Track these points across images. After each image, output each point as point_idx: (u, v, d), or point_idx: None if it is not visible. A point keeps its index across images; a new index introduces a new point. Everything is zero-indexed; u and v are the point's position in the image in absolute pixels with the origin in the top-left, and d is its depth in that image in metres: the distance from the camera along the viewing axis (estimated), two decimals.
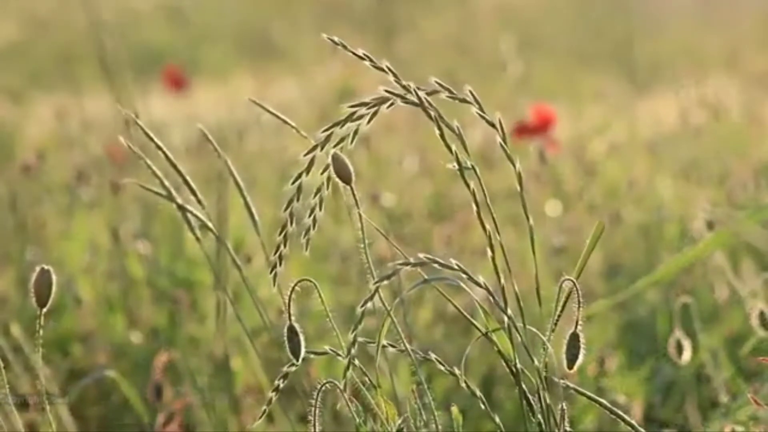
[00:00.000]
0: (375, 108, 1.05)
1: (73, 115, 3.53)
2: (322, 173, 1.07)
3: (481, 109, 1.05)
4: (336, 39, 1.07)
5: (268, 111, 1.20)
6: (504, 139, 1.07)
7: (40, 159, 2.98)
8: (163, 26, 7.55)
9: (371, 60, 1.05)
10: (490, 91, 4.00)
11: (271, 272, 1.08)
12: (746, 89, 4.27)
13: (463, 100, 1.05)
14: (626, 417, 1.09)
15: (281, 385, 1.08)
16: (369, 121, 1.05)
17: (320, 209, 1.08)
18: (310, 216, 1.08)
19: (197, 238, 1.24)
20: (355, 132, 1.06)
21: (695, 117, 3.37)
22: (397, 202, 2.89)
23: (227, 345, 2.01)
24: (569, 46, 6.61)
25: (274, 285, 1.09)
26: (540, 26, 7.23)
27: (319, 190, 1.07)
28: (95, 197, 2.82)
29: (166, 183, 1.23)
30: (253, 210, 1.25)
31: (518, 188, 1.07)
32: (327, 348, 1.09)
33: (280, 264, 1.08)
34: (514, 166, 1.07)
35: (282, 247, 1.08)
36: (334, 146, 1.06)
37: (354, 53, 1.05)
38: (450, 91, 1.05)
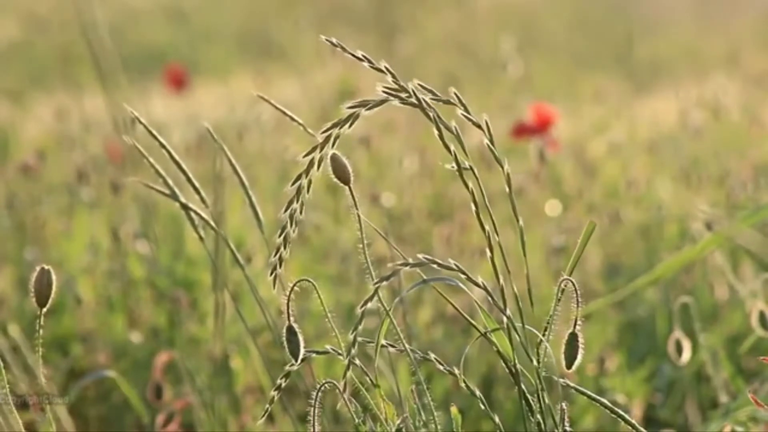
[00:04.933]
0: (375, 108, 1.05)
1: (73, 115, 3.52)
2: (317, 168, 1.06)
3: (466, 110, 1.05)
4: (334, 40, 1.07)
5: (275, 107, 1.20)
6: (491, 141, 1.06)
7: (40, 159, 2.97)
8: (163, 26, 7.55)
9: (369, 61, 1.05)
10: (490, 91, 4.00)
11: (270, 274, 1.08)
12: (746, 89, 4.27)
13: (448, 102, 1.05)
14: (626, 417, 1.09)
15: (282, 385, 1.08)
16: (351, 124, 1.05)
17: (308, 192, 1.06)
18: (285, 210, 1.06)
19: (200, 237, 1.24)
20: (345, 126, 1.05)
21: (695, 117, 3.37)
22: (396, 202, 2.90)
23: (227, 345, 2.01)
24: (568, 46, 6.61)
25: (274, 287, 1.08)
26: (540, 26, 7.23)
27: (299, 186, 1.06)
28: (95, 197, 2.81)
29: (170, 182, 1.23)
30: (257, 208, 1.25)
31: (506, 189, 1.07)
32: (328, 347, 1.09)
33: (280, 266, 1.08)
34: (502, 167, 1.07)
35: (282, 248, 1.07)
36: (332, 145, 1.05)
37: (353, 55, 1.05)
38: (434, 94, 1.05)
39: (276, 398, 1.09)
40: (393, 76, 1.04)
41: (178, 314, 2.18)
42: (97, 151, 3.24)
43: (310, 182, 1.06)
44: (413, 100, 1.04)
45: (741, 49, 5.45)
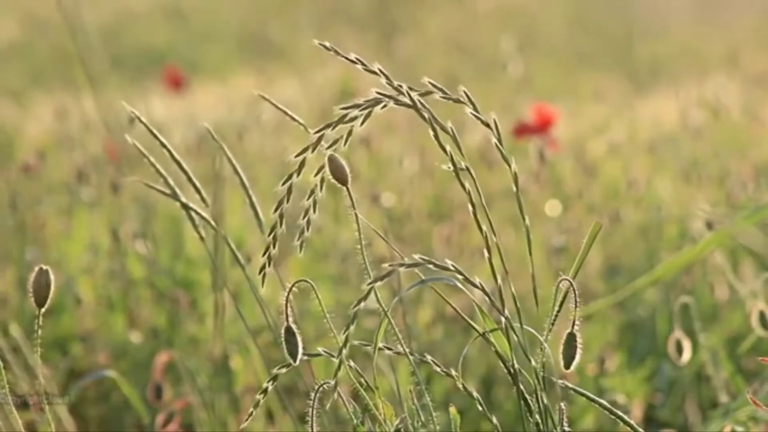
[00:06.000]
0: (368, 110, 1.05)
1: (73, 115, 3.53)
2: (315, 175, 1.06)
3: (475, 109, 1.05)
4: (327, 44, 1.07)
5: (275, 106, 1.20)
6: (499, 140, 1.06)
7: (40, 159, 2.97)
8: (162, 26, 7.55)
9: (363, 64, 1.05)
10: (490, 91, 4.00)
11: (259, 273, 1.08)
12: (746, 89, 4.27)
13: (457, 101, 1.05)
14: (626, 417, 1.09)
15: (270, 387, 1.09)
16: (362, 123, 1.05)
17: (314, 211, 1.06)
18: (304, 218, 1.07)
19: (201, 237, 1.24)
20: (349, 133, 1.06)
21: (695, 117, 3.37)
22: (396, 202, 2.90)
23: (227, 345, 2.01)
24: (569, 46, 6.61)
25: (262, 285, 1.08)
26: (540, 26, 7.23)
27: (312, 192, 1.06)
28: (95, 197, 2.81)
29: (171, 182, 1.23)
30: (258, 208, 1.25)
31: (513, 188, 1.07)
32: (321, 350, 1.09)
33: (269, 265, 1.08)
34: (509, 166, 1.07)
35: (272, 248, 1.07)
36: (328, 147, 1.06)
37: (346, 57, 1.05)
38: (443, 92, 1.04)
39: (262, 402, 1.09)
40: (386, 77, 1.04)
41: (177, 314, 2.18)
42: (97, 151, 3.24)
43: (322, 181, 1.06)
44: (407, 100, 1.04)
45: (741, 49, 5.46)
